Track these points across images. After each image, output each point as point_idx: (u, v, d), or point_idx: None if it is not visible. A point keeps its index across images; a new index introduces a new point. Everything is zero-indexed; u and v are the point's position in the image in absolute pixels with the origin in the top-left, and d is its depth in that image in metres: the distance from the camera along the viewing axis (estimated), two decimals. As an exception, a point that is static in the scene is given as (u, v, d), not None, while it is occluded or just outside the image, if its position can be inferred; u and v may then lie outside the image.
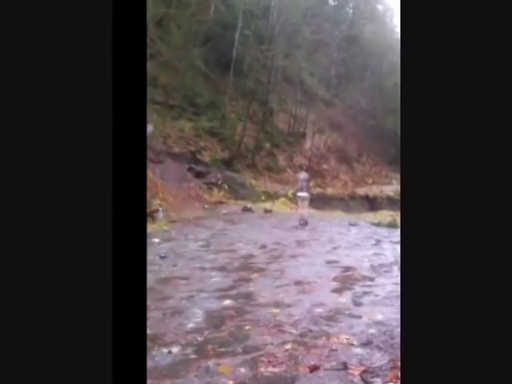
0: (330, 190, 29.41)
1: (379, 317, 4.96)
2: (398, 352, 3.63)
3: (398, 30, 50.47)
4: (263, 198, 23.57)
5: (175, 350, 4.12)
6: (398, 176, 24.28)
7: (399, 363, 3.31)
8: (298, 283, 6.67)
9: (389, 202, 26.58)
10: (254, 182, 25.45)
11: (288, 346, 4.11)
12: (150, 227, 12.22)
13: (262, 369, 3.60)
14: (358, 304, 5.58)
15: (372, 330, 4.55)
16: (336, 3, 51.73)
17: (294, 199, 20.26)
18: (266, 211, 19.42)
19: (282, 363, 3.72)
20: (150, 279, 6.37)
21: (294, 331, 4.56)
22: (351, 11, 53.76)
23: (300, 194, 15.66)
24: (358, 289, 6.37)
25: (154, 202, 15.26)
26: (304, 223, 15.08)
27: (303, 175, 15.87)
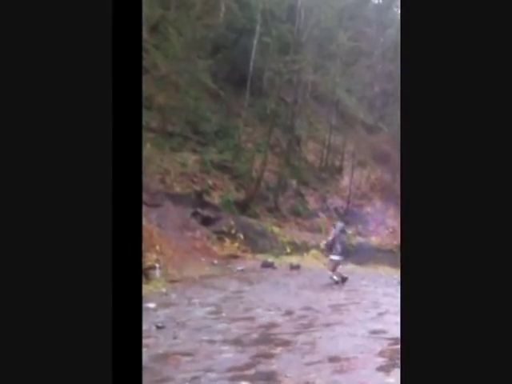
0: (374, 240, 29.29)
1: (437, 402, 4.94)
2: None
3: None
4: (288, 250, 23.50)
5: None
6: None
7: None
8: (333, 360, 6.67)
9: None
10: (276, 229, 25.37)
11: None
12: (145, 288, 12.24)
13: None
14: (410, 386, 5.57)
15: (428, 420, 4.54)
16: (380, 2, 51.67)
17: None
18: (293, 267, 19.39)
19: None
20: (144, 355, 6.40)
21: (328, 421, 4.57)
22: (399, 11, 53.86)
23: (334, 257, 15.50)
24: (410, 367, 6.34)
25: (148, 257, 15.30)
26: (341, 281, 15.02)
27: (339, 227, 15.76)
